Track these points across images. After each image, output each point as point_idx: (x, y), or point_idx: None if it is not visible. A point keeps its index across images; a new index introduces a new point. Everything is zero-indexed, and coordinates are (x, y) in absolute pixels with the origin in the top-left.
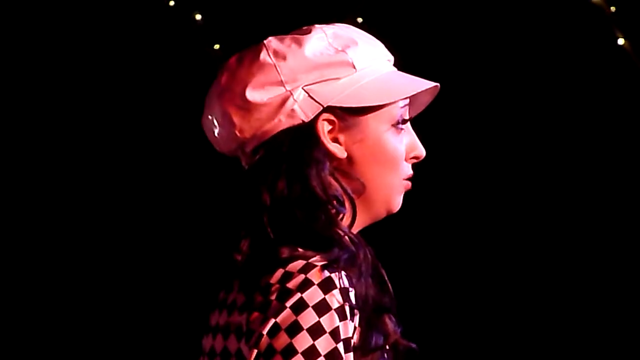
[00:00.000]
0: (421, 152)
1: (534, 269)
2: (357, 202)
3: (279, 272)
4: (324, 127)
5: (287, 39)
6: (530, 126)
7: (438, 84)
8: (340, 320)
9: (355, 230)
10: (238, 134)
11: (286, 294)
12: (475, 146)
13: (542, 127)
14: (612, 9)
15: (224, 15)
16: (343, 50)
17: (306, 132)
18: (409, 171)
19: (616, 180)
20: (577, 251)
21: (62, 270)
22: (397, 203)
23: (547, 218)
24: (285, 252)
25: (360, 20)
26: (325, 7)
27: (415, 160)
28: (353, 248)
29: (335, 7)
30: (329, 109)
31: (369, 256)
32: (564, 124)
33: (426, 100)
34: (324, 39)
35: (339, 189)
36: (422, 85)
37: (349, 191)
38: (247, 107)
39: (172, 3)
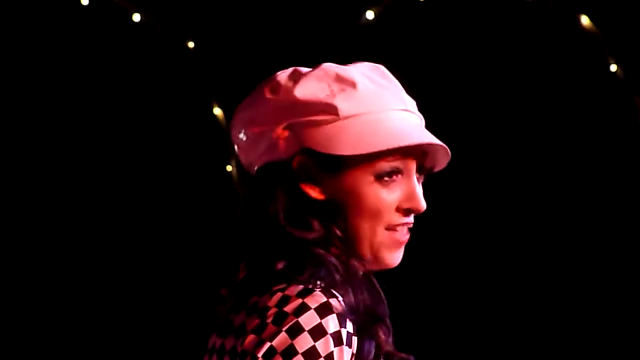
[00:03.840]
0: (418, 205)
1: (524, 271)
2: (349, 247)
3: (277, 296)
4: (300, 166)
5: (294, 73)
6: (525, 153)
7: (432, 141)
8: (336, 346)
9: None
10: (243, 159)
11: (282, 317)
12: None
13: (538, 154)
14: (599, 34)
15: (217, 44)
16: (335, 94)
17: (285, 167)
18: (397, 220)
19: (610, 197)
20: (569, 252)
21: (52, 276)
22: (389, 257)
23: (537, 223)
24: (282, 275)
25: (352, 49)
26: (316, 36)
27: (410, 212)
28: (342, 261)
29: (325, 36)
30: (307, 150)
31: (359, 273)
32: (558, 149)
33: (443, 159)
34: (324, 79)
35: (317, 224)
36: (409, 139)
37: (337, 230)
38: (245, 136)
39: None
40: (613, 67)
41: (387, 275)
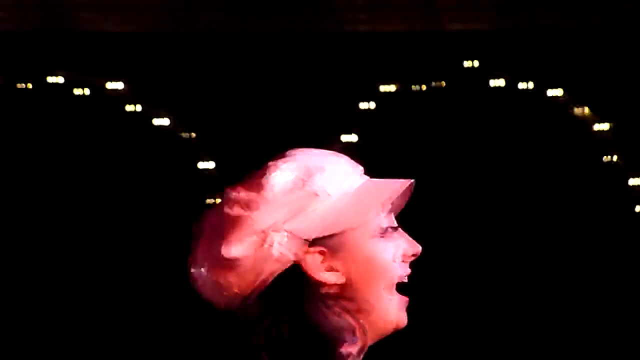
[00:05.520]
0: (415, 249)
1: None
2: (366, 320)
3: None
4: (316, 260)
5: (248, 185)
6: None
7: (412, 181)
8: None
9: (365, 348)
10: (237, 291)
11: None
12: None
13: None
14: (604, 126)
15: (217, 133)
16: (311, 181)
17: (298, 271)
18: (402, 272)
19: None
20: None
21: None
22: (400, 317)
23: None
24: None
25: (350, 138)
26: (313, 124)
27: (412, 259)
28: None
29: (323, 124)
30: (315, 242)
31: None
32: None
33: (405, 196)
34: (290, 174)
35: (347, 316)
36: (394, 190)
37: (359, 316)
38: (234, 265)
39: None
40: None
41: None
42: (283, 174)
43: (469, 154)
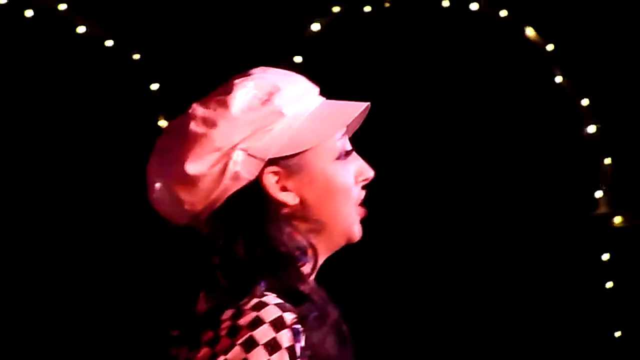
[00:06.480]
0: (369, 173)
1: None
2: (317, 240)
3: (231, 309)
4: (270, 180)
5: (212, 102)
6: (469, 160)
7: (368, 103)
8: None
9: (317, 266)
10: (189, 208)
11: (236, 331)
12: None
13: (483, 162)
14: (550, 47)
15: (163, 55)
16: (269, 100)
17: (254, 190)
18: (361, 195)
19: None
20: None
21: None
22: (357, 231)
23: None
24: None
25: (299, 59)
26: (262, 46)
27: (365, 182)
28: (320, 303)
29: (271, 45)
30: (270, 161)
31: (334, 313)
32: (500, 159)
33: (360, 119)
34: (248, 93)
35: (300, 236)
36: (352, 112)
37: (309, 235)
38: (191, 181)
39: (109, 43)
40: (558, 79)
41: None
42: (243, 92)
43: (417, 78)
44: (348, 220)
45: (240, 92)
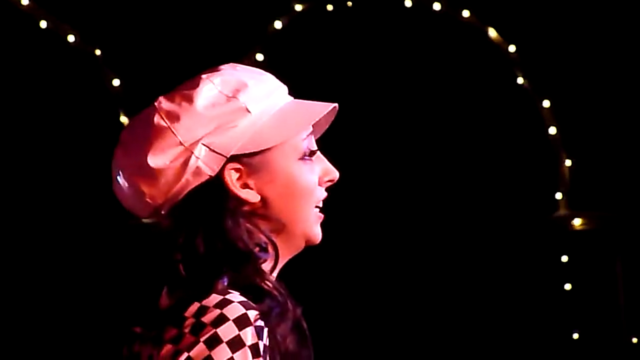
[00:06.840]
0: (334, 175)
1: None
2: (278, 240)
3: (195, 306)
4: (231, 177)
5: (177, 96)
6: (435, 159)
7: (336, 105)
8: (254, 358)
9: (278, 266)
10: (150, 201)
11: (200, 328)
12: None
13: (447, 162)
14: (512, 48)
15: (124, 50)
16: (234, 97)
17: (215, 186)
18: (322, 195)
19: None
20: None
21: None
22: (316, 233)
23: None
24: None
25: (260, 57)
26: (225, 43)
27: (330, 184)
28: (281, 300)
29: (234, 42)
30: (233, 158)
31: (295, 309)
32: (461, 159)
33: (328, 120)
34: (214, 89)
35: (260, 234)
36: (318, 112)
37: (269, 233)
38: (152, 174)
39: (71, 38)
40: (520, 80)
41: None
42: (209, 88)
43: (380, 78)
44: (308, 222)
45: (206, 87)
